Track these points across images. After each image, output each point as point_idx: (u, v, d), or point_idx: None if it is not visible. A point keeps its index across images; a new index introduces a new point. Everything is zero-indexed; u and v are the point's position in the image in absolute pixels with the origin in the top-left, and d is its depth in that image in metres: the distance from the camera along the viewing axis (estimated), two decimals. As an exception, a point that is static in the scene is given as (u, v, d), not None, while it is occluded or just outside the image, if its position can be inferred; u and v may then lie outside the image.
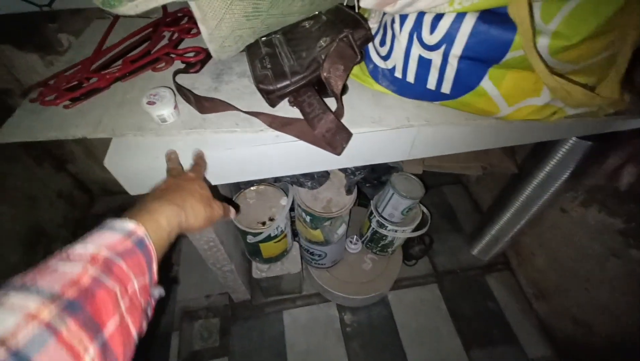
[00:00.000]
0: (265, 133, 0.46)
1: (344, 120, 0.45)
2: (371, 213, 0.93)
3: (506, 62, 0.34)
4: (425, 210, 0.93)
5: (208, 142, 0.45)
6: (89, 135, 0.45)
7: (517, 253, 1.14)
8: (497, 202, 1.07)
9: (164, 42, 0.57)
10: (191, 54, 0.53)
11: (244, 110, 0.46)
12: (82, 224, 1.24)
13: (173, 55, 0.53)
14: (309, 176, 0.71)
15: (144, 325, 0.28)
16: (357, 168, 0.72)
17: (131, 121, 0.46)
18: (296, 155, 0.48)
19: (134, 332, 0.26)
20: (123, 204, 1.30)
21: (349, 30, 0.43)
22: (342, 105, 0.43)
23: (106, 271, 0.25)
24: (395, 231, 0.87)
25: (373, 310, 1.07)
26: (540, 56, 0.32)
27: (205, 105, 0.46)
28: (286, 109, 0.48)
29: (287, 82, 0.44)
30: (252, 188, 0.83)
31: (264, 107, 0.48)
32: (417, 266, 1.16)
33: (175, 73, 0.50)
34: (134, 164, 0.44)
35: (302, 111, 0.45)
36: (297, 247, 0.95)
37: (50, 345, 0.20)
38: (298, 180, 0.72)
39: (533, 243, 1.06)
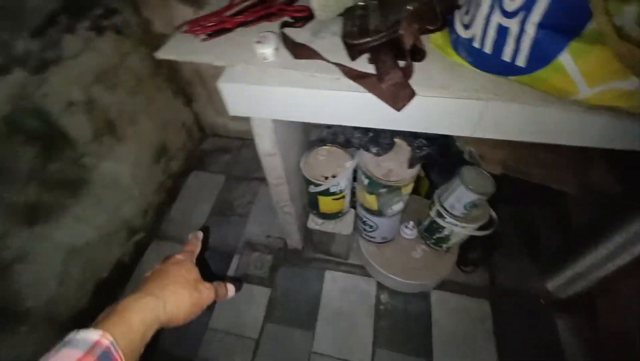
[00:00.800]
0: (341, 81, 0.52)
1: (412, 82, 0.48)
2: (433, 201, 0.92)
3: (588, 33, 0.32)
4: (493, 213, 0.87)
5: (294, 80, 0.54)
6: (212, 62, 0.59)
7: (609, 299, 0.96)
8: (593, 231, 0.92)
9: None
10: (298, 12, 0.63)
11: (329, 59, 0.53)
12: (192, 154, 1.54)
13: (284, 11, 0.63)
14: (375, 142, 0.75)
15: None
16: (423, 144, 0.73)
17: (242, 56, 0.58)
18: (363, 106, 0.53)
19: None
20: (225, 145, 1.57)
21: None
22: (411, 64, 0.47)
23: None
24: (455, 225, 0.85)
25: (411, 300, 1.06)
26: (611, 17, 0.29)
27: (299, 51, 0.55)
28: (363, 66, 0.53)
29: (368, 39, 0.49)
30: (324, 147, 0.91)
31: (345, 61, 0.54)
32: (472, 275, 1.09)
33: (283, 24, 0.61)
34: (237, 88, 0.57)
35: (376, 67, 0.50)
36: (353, 213, 1.02)
37: None
38: (365, 145, 0.77)
39: (633, 290, 0.88)
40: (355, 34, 0.50)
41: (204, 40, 0.62)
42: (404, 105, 0.48)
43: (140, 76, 1.14)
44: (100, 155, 1.02)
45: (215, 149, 1.58)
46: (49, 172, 0.86)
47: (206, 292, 0.38)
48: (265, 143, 0.70)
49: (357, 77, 0.50)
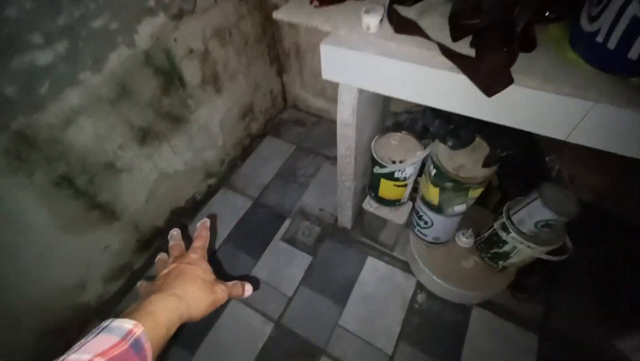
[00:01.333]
0: (436, 59, 0.53)
1: (513, 70, 0.47)
2: (500, 213, 0.87)
3: None
4: (568, 240, 0.79)
5: (391, 52, 0.57)
6: (319, 25, 0.64)
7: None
8: None
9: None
10: (411, -10, 0.65)
11: (430, 36, 0.54)
12: (272, 120, 1.67)
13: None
14: (454, 134, 0.74)
15: None
16: (506, 145, 0.70)
17: (348, 23, 0.63)
18: (453, 88, 0.54)
19: None
20: (301, 119, 1.66)
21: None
22: (517, 50, 0.46)
23: None
24: (520, 242, 0.80)
25: (449, 307, 1.03)
26: None
27: (402, 25, 0.58)
28: (464, 48, 0.53)
29: (477, 20, 0.49)
30: (399, 133, 0.92)
31: (447, 41, 0.55)
32: (525, 304, 1.00)
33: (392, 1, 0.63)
34: (335, 52, 0.61)
35: (477, 47, 0.50)
36: (409, 206, 1.01)
37: None
38: (443, 135, 0.76)
39: None
40: (467, 12, 0.51)
41: (316, 6, 0.68)
42: (497, 91, 0.47)
43: (248, 39, 1.28)
44: (202, 100, 1.17)
45: (292, 120, 1.68)
46: (163, 104, 1.03)
47: (221, 294, 0.39)
48: (346, 112, 0.74)
49: (454, 56, 0.51)
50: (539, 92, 0.47)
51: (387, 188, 0.93)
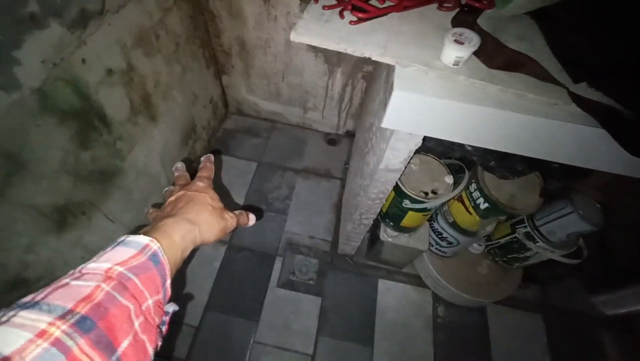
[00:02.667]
0: (559, 108, 0.42)
1: None
2: (519, 221, 0.86)
3: None
4: (583, 245, 0.84)
5: (490, 98, 0.42)
6: (377, 57, 0.44)
7: (651, 320, 1.00)
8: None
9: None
10: (476, 1, 0.49)
11: (556, 78, 0.41)
12: (215, 134, 1.34)
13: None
14: (503, 164, 0.66)
15: (159, 342, 0.26)
16: (564, 176, 0.66)
17: (416, 54, 0.44)
18: (575, 142, 0.43)
19: (150, 351, 0.24)
20: (251, 127, 1.38)
21: None
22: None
23: (120, 288, 0.24)
24: (549, 250, 0.81)
25: (468, 313, 1.04)
26: None
27: (502, 57, 0.43)
28: (588, 92, 0.42)
29: (614, 60, 0.39)
30: (417, 154, 0.80)
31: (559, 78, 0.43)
32: (526, 290, 1.08)
33: (470, 18, 0.47)
34: (412, 100, 0.43)
35: (614, 95, 0.40)
36: (427, 227, 0.94)
37: None
38: (488, 163, 0.68)
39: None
40: (596, 48, 0.39)
41: (353, 22, 0.47)
42: (650, 151, 0.39)
43: (179, 40, 0.92)
44: (135, 137, 0.81)
45: (240, 130, 1.38)
46: (83, 161, 0.66)
47: (230, 220, 0.39)
48: (398, 158, 0.57)
49: (592, 106, 0.40)
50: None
51: (413, 219, 0.82)
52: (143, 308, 0.25)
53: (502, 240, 0.93)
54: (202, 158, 0.45)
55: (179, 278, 1.03)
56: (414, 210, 0.78)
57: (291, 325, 0.98)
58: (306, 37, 0.46)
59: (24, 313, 0.20)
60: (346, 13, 0.48)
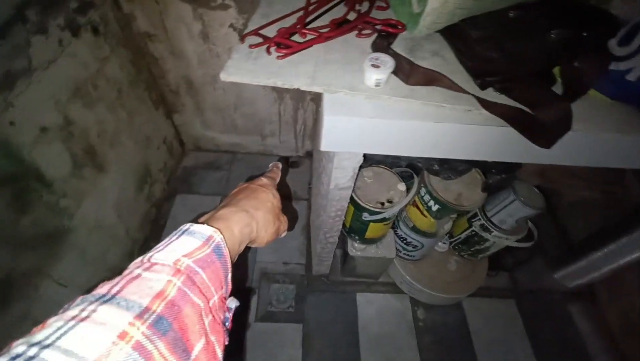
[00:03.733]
0: (472, 113, 0.46)
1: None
2: (473, 215, 0.91)
3: None
4: (532, 225, 0.91)
5: (410, 112, 0.46)
6: (305, 87, 0.47)
7: (611, 287, 1.09)
8: (599, 232, 1.02)
9: (360, 8, 0.58)
10: (390, 27, 0.54)
11: (465, 89, 0.46)
12: (174, 174, 1.31)
13: (378, 26, 0.54)
14: (447, 166, 0.71)
15: (226, 342, 0.26)
16: (498, 168, 0.72)
17: (343, 81, 0.48)
18: (490, 141, 0.48)
19: (219, 353, 0.24)
20: (211, 161, 1.37)
21: (596, 26, 0.42)
22: (571, 98, 0.43)
23: (189, 283, 0.23)
24: (505, 238, 0.86)
25: (447, 311, 1.07)
26: None
27: (417, 75, 0.47)
28: (493, 96, 0.48)
29: (514, 67, 0.44)
30: (369, 167, 0.84)
31: (470, 88, 0.48)
32: (495, 278, 1.13)
33: (385, 42, 0.51)
34: (341, 122, 0.46)
35: (517, 98, 0.45)
36: (392, 234, 0.96)
37: None
38: (432, 167, 0.72)
39: (635, 282, 1.01)
40: (496, 59, 0.44)
41: (280, 57, 0.50)
42: (554, 142, 0.44)
43: (121, 86, 0.91)
44: (81, 192, 0.78)
45: (200, 166, 1.37)
46: (22, 227, 0.62)
47: (284, 224, 0.38)
48: (345, 177, 0.60)
49: (499, 109, 0.45)
50: (581, 134, 0.46)
51: (376, 230, 0.85)
52: (210, 305, 0.24)
53: (463, 235, 0.98)
54: (270, 165, 0.45)
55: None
56: (374, 221, 0.80)
57: (276, 358, 0.95)
58: (237, 75, 0.48)
59: (104, 309, 0.19)
60: (273, 49, 0.50)
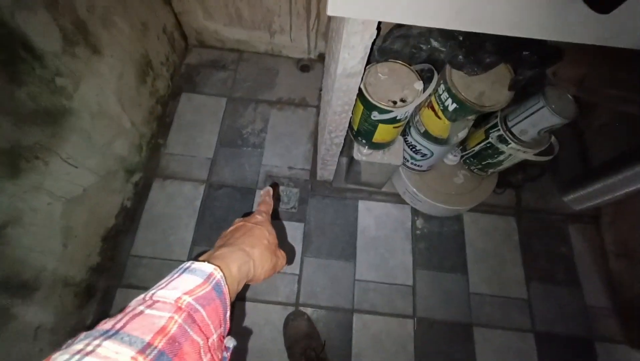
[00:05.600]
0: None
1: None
2: (493, 126, 0.85)
3: None
4: (554, 138, 0.84)
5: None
6: None
7: (615, 211, 1.07)
8: (618, 157, 0.96)
9: None
10: None
11: None
12: (178, 71, 1.24)
13: None
14: (472, 58, 0.62)
15: None
16: (529, 62, 0.62)
17: None
18: (540, 5, 0.39)
19: None
20: (216, 59, 1.28)
21: None
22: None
23: (190, 321, 0.24)
24: (522, 151, 0.81)
25: (445, 222, 1.09)
26: None
27: None
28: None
29: None
30: (385, 62, 0.75)
31: None
32: (500, 196, 1.12)
33: None
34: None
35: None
36: (401, 141, 0.92)
37: None
38: (456, 58, 0.63)
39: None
40: None
41: None
42: (616, 5, 0.35)
43: (106, -49, 0.79)
44: (77, 73, 0.74)
45: (205, 64, 1.28)
46: (20, 100, 0.61)
47: (282, 259, 0.40)
48: (354, 58, 0.53)
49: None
50: None
51: (385, 133, 0.80)
52: (209, 343, 0.25)
53: (477, 148, 0.93)
54: (261, 193, 0.46)
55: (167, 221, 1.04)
56: (384, 122, 0.75)
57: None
58: None
59: (108, 344, 0.20)
60: None
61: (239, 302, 0.95)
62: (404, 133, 0.92)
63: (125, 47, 0.92)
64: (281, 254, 0.40)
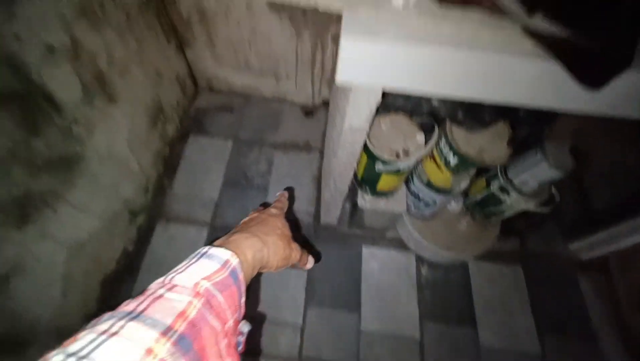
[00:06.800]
0: (513, 42, 0.40)
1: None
2: (494, 175, 0.86)
3: None
4: (554, 189, 0.85)
5: (444, 37, 0.40)
6: (324, 4, 0.41)
7: (626, 260, 1.05)
8: (623, 203, 0.96)
9: None
10: None
11: (507, 9, 0.39)
12: (187, 114, 1.29)
13: None
14: (472, 115, 0.65)
15: None
16: (526, 120, 0.65)
17: (367, -2, 0.41)
18: (536, 78, 0.42)
19: None
20: (224, 103, 1.33)
21: None
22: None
23: (208, 306, 0.24)
24: (523, 201, 0.81)
25: (451, 270, 1.07)
26: None
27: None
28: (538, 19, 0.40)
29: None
30: (387, 114, 0.79)
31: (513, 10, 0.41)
32: (505, 242, 1.11)
33: None
34: (360, 46, 0.41)
35: (570, 24, 0.38)
36: (404, 187, 0.93)
37: None
38: (456, 115, 0.66)
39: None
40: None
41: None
42: (607, 81, 0.37)
43: (129, 10, 0.85)
44: (93, 121, 0.77)
45: (213, 107, 1.33)
46: (35, 149, 0.63)
47: (295, 252, 0.39)
48: (360, 117, 0.56)
49: (547, 39, 0.38)
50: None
51: (388, 181, 0.82)
52: (226, 328, 0.25)
53: (479, 196, 0.94)
54: (277, 194, 0.48)
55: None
56: (388, 173, 0.77)
57: (279, 298, 0.99)
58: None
59: (132, 325, 0.21)
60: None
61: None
62: (407, 181, 0.93)
63: (139, 94, 0.96)
64: (295, 246, 0.40)
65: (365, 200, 0.91)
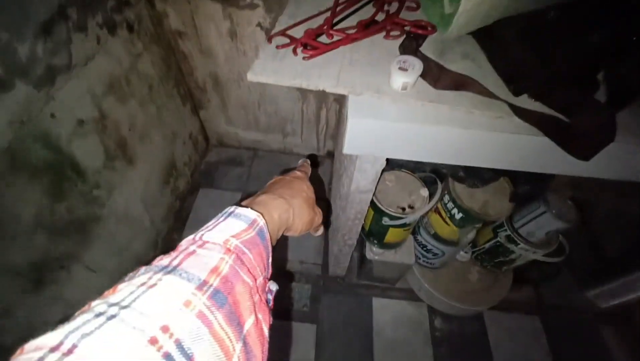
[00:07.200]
0: (504, 121, 0.44)
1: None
2: (499, 225, 0.87)
3: None
4: (563, 239, 0.85)
5: (440, 117, 0.45)
6: (330, 88, 0.47)
7: (645, 309, 1.01)
8: (632, 252, 0.95)
9: (389, 8, 0.57)
10: (420, 28, 0.53)
11: (497, 94, 0.44)
12: (198, 168, 1.35)
13: (407, 27, 0.52)
14: (473, 173, 0.68)
15: (271, 320, 0.26)
16: (532, 178, 0.68)
17: (368, 83, 0.47)
18: (528, 150, 0.45)
19: (266, 332, 0.25)
20: (233, 157, 1.39)
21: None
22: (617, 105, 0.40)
23: (239, 262, 0.24)
24: (531, 251, 0.82)
25: (466, 322, 1.03)
26: None
27: (446, 79, 0.45)
28: (527, 103, 0.45)
29: (552, 71, 0.41)
30: (391, 171, 0.82)
31: (503, 94, 0.46)
32: (520, 292, 1.08)
33: (406, 42, 0.50)
34: (365, 125, 0.45)
35: (555, 105, 0.42)
36: (411, 238, 0.94)
37: (205, 338, 0.19)
38: (457, 173, 0.70)
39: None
40: (532, 62, 0.42)
41: (306, 58, 0.49)
42: (595, 154, 0.41)
43: (152, 82, 0.94)
44: (112, 184, 0.82)
45: (223, 161, 1.40)
46: (58, 214, 0.66)
47: (318, 215, 0.38)
48: (367, 180, 0.59)
49: (534, 117, 0.42)
50: (630, 146, 0.42)
51: (395, 234, 0.83)
52: (257, 284, 0.25)
53: (487, 245, 0.94)
54: (299, 161, 0.47)
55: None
56: (394, 226, 0.78)
57: (289, 356, 0.95)
58: (263, 76, 0.48)
59: (168, 278, 0.21)
60: (299, 50, 0.50)
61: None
62: (415, 233, 0.94)
63: (156, 155, 1.02)
64: (318, 210, 0.39)
65: (373, 252, 0.91)
